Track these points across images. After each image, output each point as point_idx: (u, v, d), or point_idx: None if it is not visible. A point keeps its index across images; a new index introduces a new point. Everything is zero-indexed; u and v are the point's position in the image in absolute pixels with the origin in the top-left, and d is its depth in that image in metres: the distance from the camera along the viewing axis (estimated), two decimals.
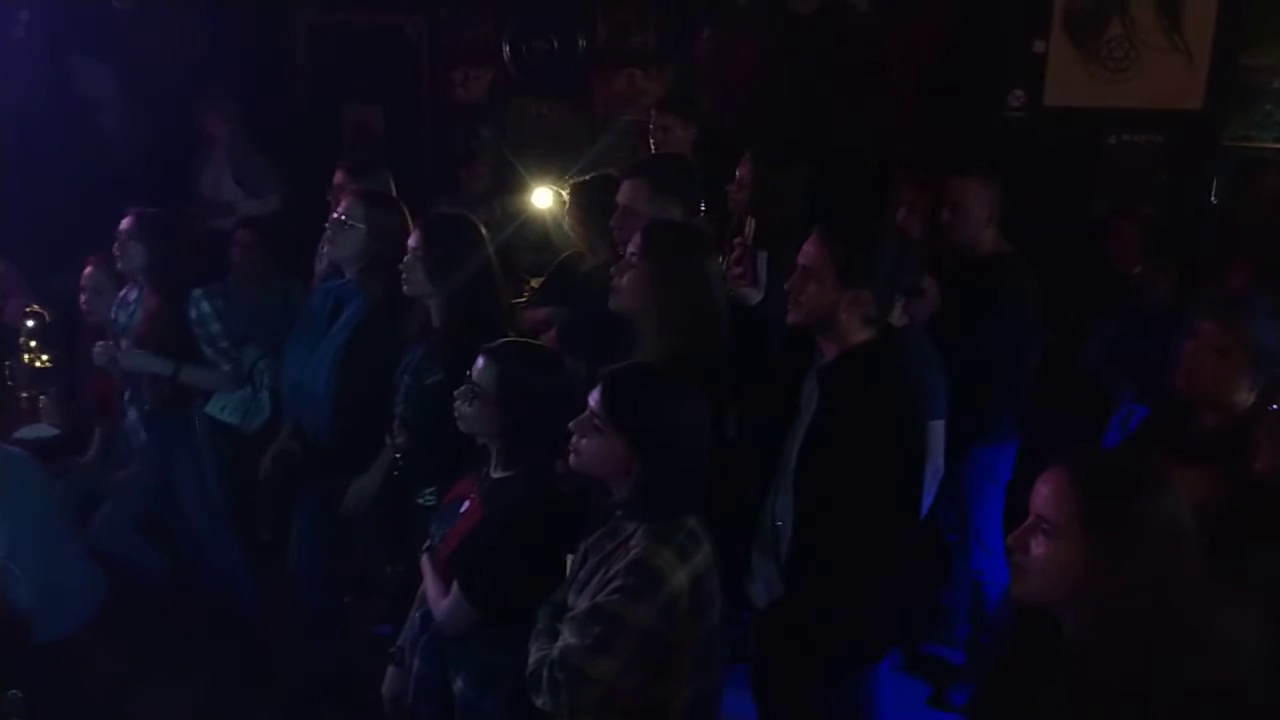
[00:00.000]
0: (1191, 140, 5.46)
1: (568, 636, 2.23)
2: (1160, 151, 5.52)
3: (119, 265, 4.01)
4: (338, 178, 4.46)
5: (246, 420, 4.21)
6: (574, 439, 2.32)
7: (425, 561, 2.72)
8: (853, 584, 2.57)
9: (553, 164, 5.46)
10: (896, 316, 3.48)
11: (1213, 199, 5.51)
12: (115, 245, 3.97)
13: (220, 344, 4.03)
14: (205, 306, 4.00)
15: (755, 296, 3.53)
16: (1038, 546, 1.83)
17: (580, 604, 2.28)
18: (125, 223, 3.97)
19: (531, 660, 2.30)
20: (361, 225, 3.57)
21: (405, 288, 3.27)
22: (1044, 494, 1.84)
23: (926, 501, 3.54)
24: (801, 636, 2.66)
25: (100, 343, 4.01)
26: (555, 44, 6.63)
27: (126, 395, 4.12)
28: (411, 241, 3.27)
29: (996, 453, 3.98)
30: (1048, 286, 4.13)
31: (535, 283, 4.73)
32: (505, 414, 2.59)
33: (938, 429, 3.52)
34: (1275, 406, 2.29)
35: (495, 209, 5.75)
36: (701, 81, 6.07)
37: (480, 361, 2.61)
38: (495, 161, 6.25)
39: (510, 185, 5.95)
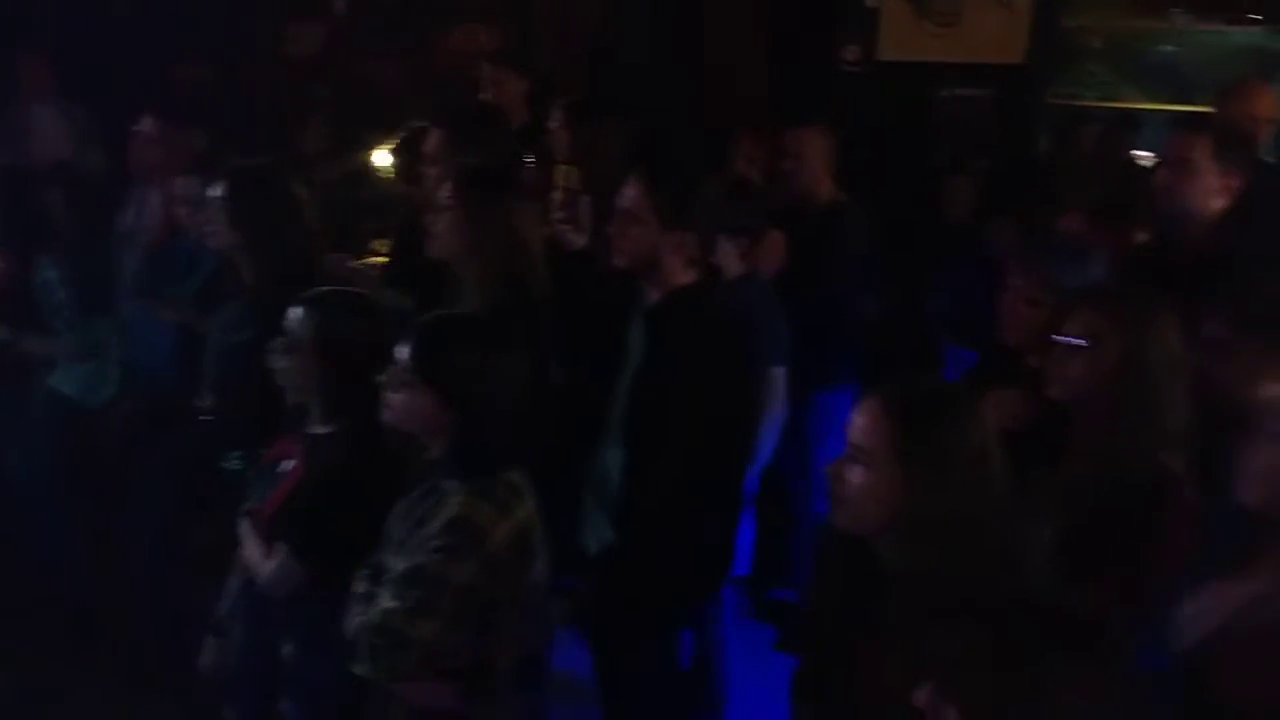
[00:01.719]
0: (1016, 95, 5.64)
1: (386, 600, 2.15)
2: (987, 105, 5.69)
3: None
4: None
5: (88, 394, 3.97)
6: (385, 393, 2.24)
7: (245, 525, 2.59)
8: (679, 525, 2.57)
9: (391, 121, 5.29)
10: (733, 263, 3.52)
11: (1037, 152, 5.71)
12: None
13: (64, 313, 3.84)
14: (51, 274, 3.83)
15: (579, 241, 3.49)
16: (854, 476, 1.84)
17: (398, 565, 2.20)
18: None
19: (351, 627, 2.21)
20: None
21: (209, 240, 3.18)
22: (858, 424, 1.85)
23: (768, 447, 3.59)
24: (629, 581, 2.65)
25: None
26: None
27: None
28: (215, 191, 3.15)
29: (837, 398, 4.03)
30: (886, 237, 4.21)
31: (379, 244, 4.63)
32: (323, 365, 2.47)
33: (779, 375, 3.56)
34: (1055, 337, 2.34)
35: (331, 169, 5.55)
36: (540, 35, 5.98)
37: (297, 311, 2.49)
38: (330, 120, 6.03)
39: (346, 144, 5.75)
